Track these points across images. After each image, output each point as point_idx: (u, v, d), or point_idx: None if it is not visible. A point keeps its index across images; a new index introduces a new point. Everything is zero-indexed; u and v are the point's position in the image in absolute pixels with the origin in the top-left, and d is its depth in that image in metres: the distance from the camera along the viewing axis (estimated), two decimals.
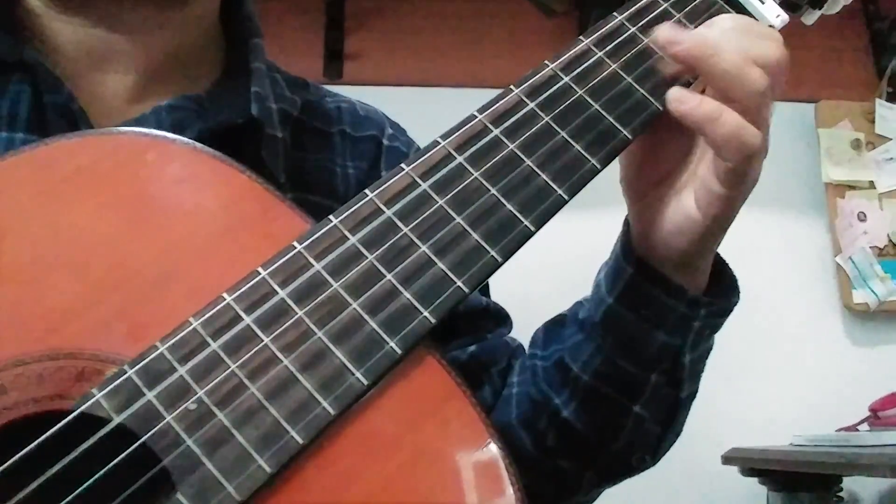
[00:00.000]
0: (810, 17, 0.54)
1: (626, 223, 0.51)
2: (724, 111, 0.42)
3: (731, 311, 0.51)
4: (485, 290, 0.63)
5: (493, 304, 0.63)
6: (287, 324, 0.37)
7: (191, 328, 0.36)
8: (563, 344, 0.53)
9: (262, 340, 0.36)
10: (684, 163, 0.48)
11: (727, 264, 0.52)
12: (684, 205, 0.46)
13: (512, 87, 0.44)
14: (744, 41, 0.43)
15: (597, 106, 0.44)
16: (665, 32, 0.44)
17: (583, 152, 0.43)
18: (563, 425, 0.52)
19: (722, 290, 0.51)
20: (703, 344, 0.51)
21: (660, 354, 0.50)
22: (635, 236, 0.50)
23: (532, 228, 0.41)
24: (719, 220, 0.46)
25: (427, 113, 0.95)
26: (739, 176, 0.43)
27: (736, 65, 0.42)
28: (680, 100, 0.43)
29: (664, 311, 0.49)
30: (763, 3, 0.49)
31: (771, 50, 0.44)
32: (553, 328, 0.56)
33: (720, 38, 0.43)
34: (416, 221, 0.40)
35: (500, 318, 0.62)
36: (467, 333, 0.58)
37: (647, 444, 0.53)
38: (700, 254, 0.48)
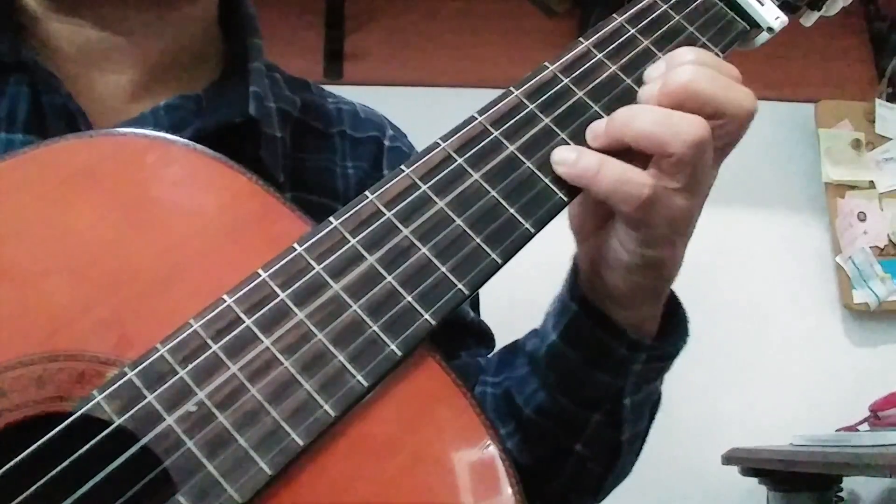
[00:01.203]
0: (809, 19, 0.54)
1: (574, 261, 0.50)
2: (602, 165, 0.41)
3: (675, 356, 0.50)
4: (475, 306, 0.62)
5: (478, 322, 0.62)
6: (287, 326, 0.37)
7: (191, 330, 0.36)
8: (513, 374, 0.53)
9: (263, 342, 0.36)
10: None
11: (681, 306, 0.51)
12: (612, 242, 0.45)
13: (512, 88, 0.44)
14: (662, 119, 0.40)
15: (597, 108, 0.44)
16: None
17: None
18: None
19: (669, 332, 0.49)
20: (646, 387, 0.50)
21: (601, 394, 0.49)
22: (581, 274, 0.49)
23: (532, 230, 0.41)
24: (645, 258, 0.44)
25: (427, 113, 0.95)
26: (637, 223, 0.42)
27: (613, 184, 0.40)
28: (559, 162, 0.42)
29: (604, 352, 0.48)
30: (762, 4, 0.49)
31: (691, 127, 0.40)
32: (506, 356, 0.56)
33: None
34: (417, 223, 0.40)
35: (482, 338, 0.61)
36: (442, 347, 0.57)
37: (588, 484, 0.52)
38: (634, 293, 0.46)
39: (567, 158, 0.42)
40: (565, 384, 0.49)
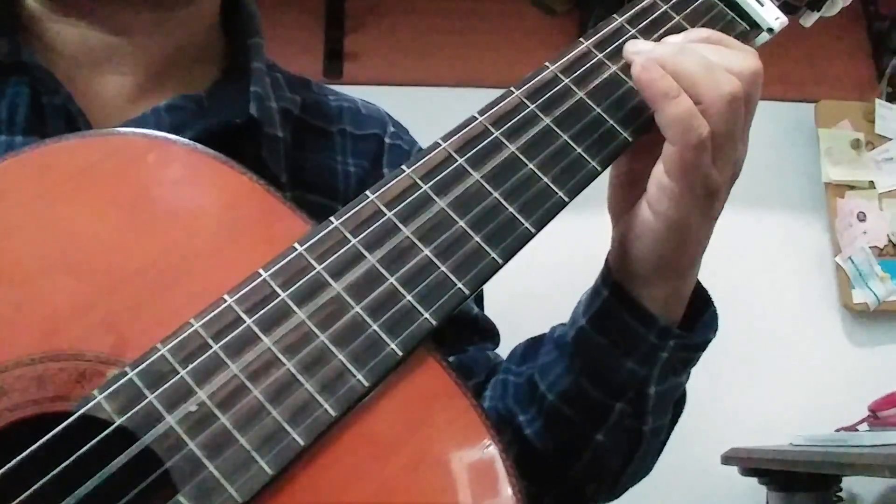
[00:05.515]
0: (808, 19, 0.55)
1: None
2: (682, 93, 0.42)
3: (704, 346, 0.50)
4: (478, 302, 0.62)
5: (483, 319, 0.62)
6: (288, 326, 0.37)
7: (192, 330, 0.36)
8: (537, 361, 0.53)
9: (264, 342, 0.36)
10: None
11: (711, 300, 0.51)
12: (641, 209, 0.46)
13: (513, 88, 0.44)
14: (710, 50, 0.44)
15: (598, 109, 0.44)
16: (631, 46, 0.44)
17: (583, 155, 0.43)
18: (524, 444, 0.51)
19: (698, 324, 0.50)
20: (672, 378, 0.50)
21: (626, 383, 0.49)
22: (612, 254, 0.49)
23: (533, 230, 0.41)
24: (671, 220, 0.44)
25: (427, 113, 0.95)
26: (685, 165, 0.42)
27: (703, 66, 0.42)
28: (646, 67, 0.43)
29: (633, 339, 0.48)
30: (762, 4, 0.49)
31: (741, 60, 0.44)
32: (531, 346, 0.56)
33: (685, 45, 0.44)
34: (418, 223, 0.40)
35: (487, 334, 0.61)
36: (449, 342, 0.57)
37: (605, 476, 0.52)
38: (657, 266, 0.47)
39: (655, 70, 0.43)
40: (591, 370, 0.49)
